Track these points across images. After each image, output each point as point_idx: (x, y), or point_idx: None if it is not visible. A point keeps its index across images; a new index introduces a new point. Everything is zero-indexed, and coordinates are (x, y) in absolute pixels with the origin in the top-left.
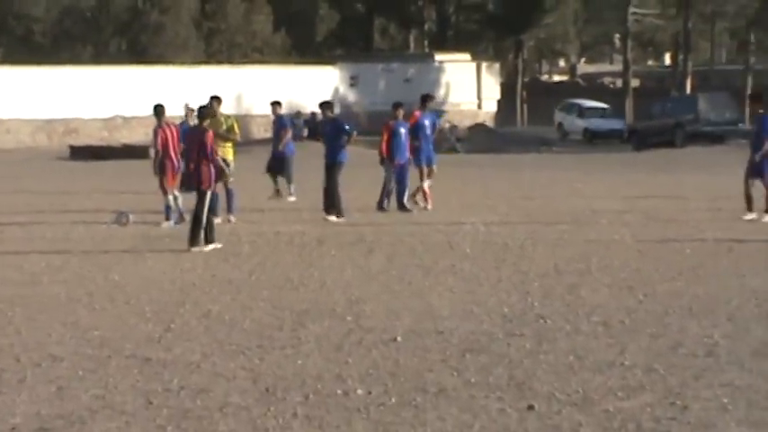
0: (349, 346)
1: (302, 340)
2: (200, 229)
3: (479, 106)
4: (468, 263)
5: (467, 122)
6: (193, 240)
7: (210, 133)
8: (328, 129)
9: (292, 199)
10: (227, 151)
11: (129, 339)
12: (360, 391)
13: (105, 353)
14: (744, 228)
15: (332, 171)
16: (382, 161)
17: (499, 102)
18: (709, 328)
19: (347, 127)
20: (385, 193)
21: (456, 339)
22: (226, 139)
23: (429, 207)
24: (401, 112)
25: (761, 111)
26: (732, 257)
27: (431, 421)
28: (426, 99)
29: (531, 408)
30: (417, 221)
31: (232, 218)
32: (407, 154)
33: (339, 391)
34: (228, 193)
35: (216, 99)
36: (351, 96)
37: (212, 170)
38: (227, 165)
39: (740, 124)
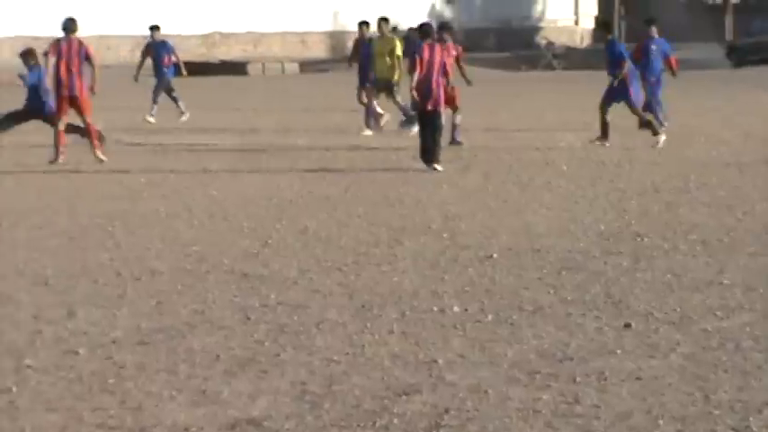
0: (445, 263)
1: (398, 257)
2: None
3: (576, 23)
4: (564, 180)
5: (563, 39)
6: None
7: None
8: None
9: (151, 120)
10: (395, 72)
11: (227, 254)
12: (456, 308)
13: (204, 268)
14: None
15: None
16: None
17: (596, 18)
18: None
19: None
20: (654, 112)
21: (552, 257)
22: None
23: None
24: (654, 29)
25: (609, 36)
26: None
27: (527, 339)
28: (651, 22)
29: (627, 326)
30: (513, 139)
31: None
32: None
33: (435, 308)
34: (403, 108)
35: (384, 20)
36: (447, 13)
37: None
38: (394, 84)
39: None
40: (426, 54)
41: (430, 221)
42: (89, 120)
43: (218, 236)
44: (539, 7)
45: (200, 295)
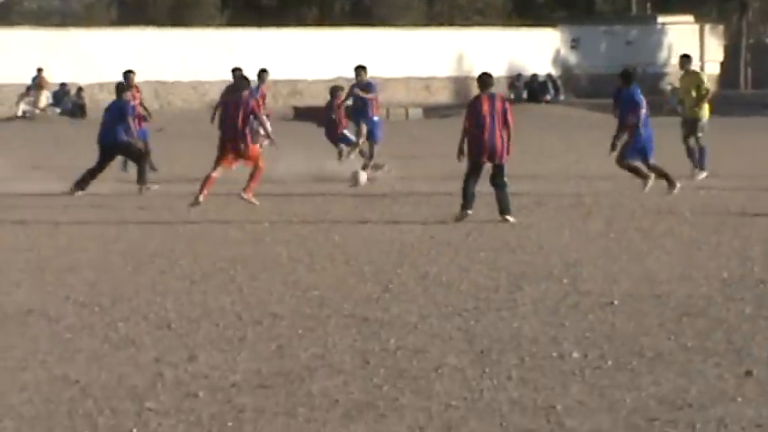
0: (565, 309)
1: (518, 302)
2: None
3: (702, 68)
4: (687, 227)
5: None
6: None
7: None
8: None
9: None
10: (702, 108)
11: (348, 299)
12: (575, 355)
13: (324, 312)
14: None
15: None
16: None
17: (722, 64)
18: None
19: None
20: None
21: (673, 303)
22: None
23: None
24: None
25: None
26: None
27: (646, 385)
28: None
29: (749, 373)
30: (636, 185)
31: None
32: None
33: (554, 354)
34: (701, 150)
35: (686, 56)
36: (572, 59)
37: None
38: (700, 120)
39: None
40: (486, 105)
41: (551, 267)
42: (261, 163)
43: (339, 280)
44: (664, 53)
45: (320, 339)
